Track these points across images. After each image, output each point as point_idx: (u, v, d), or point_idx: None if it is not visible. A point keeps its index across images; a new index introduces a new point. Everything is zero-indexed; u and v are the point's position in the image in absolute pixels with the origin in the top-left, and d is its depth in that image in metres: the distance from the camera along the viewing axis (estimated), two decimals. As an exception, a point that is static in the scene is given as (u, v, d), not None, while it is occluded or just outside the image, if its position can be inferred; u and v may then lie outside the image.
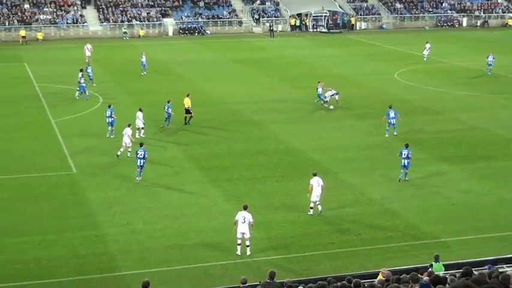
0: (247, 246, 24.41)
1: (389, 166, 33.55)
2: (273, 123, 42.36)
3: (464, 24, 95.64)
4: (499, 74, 57.84)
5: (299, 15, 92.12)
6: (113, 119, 38.85)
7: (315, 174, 28.39)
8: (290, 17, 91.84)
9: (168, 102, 40.50)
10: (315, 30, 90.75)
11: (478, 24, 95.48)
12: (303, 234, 25.84)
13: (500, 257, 22.27)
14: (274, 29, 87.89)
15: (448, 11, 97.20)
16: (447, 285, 12.92)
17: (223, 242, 25.46)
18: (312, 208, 27.87)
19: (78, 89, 48.11)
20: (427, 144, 37.75)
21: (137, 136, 37.94)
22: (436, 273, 15.97)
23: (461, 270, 14.61)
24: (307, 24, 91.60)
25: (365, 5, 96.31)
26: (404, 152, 31.72)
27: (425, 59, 64.08)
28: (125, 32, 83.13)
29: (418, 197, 30.06)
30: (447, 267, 20.28)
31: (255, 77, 57.76)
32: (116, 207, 28.84)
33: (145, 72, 57.50)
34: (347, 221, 27.40)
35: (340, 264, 23.72)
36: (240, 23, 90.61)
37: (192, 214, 28.17)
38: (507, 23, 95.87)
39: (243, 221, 24.12)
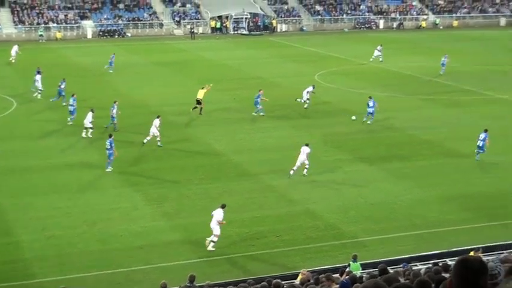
0: (209, 242, 24.73)
1: (310, 167, 33.90)
2: (194, 125, 42.21)
3: (381, 26, 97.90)
4: (414, 76, 59.37)
5: (220, 17, 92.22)
6: (73, 107, 41.14)
7: (307, 145, 32.59)
8: (211, 19, 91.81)
9: (115, 103, 40.38)
10: (236, 32, 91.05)
11: (394, 26, 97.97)
12: (223, 237, 25.80)
13: (415, 255, 22.85)
14: (195, 31, 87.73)
15: (366, 14, 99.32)
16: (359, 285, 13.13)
17: (144, 246, 25.20)
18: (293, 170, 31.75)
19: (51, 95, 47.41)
20: (346, 145, 38.34)
21: (83, 135, 38.92)
22: (353, 272, 16.23)
23: (377, 269, 14.87)
24: (228, 26, 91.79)
25: (285, 7, 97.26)
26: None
27: (381, 59, 65.39)
28: (41, 35, 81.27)
29: (337, 198, 30.48)
30: (364, 266, 20.63)
31: (176, 80, 57.45)
32: (31, 212, 28.13)
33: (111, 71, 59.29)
34: (267, 223, 27.52)
35: (261, 266, 23.81)
36: (161, 25, 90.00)
37: (112, 219, 27.76)
38: (421, 25, 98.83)
39: (212, 217, 24.80)
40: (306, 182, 32.40)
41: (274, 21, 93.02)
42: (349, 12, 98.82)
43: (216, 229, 24.83)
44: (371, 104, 42.14)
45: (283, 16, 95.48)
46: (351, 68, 63.77)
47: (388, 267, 16.41)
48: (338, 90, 53.26)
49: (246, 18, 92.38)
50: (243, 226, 27.20)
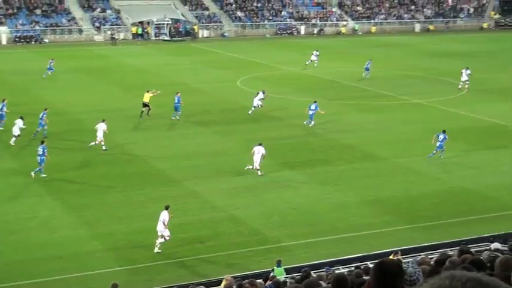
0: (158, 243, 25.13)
1: (234, 173, 33.92)
2: (115, 132, 41.48)
3: (302, 32, 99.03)
4: (335, 81, 60.27)
5: (141, 23, 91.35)
6: (2, 112, 41.48)
7: (260, 144, 34.23)
8: (132, 25, 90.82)
9: (45, 110, 40.02)
10: (157, 38, 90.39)
11: (315, 32, 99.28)
12: (146, 245, 25.47)
13: (337, 258, 23.11)
14: (116, 37, 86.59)
15: (287, 19, 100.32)
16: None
17: (64, 255, 24.62)
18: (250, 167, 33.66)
19: None
20: (269, 150, 38.42)
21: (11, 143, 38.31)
22: (277, 277, 16.26)
23: (300, 273, 14.95)
24: (150, 32, 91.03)
25: (207, 13, 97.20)
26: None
27: (316, 64, 66.73)
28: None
29: (261, 203, 30.56)
30: (288, 271, 20.71)
31: (97, 86, 56.51)
32: None
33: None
34: (191, 229, 27.33)
35: (185, 273, 23.60)
36: (80, 31, 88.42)
37: (30, 228, 26.99)
38: (341, 31, 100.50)
39: (160, 219, 25.17)
40: (230, 188, 32.37)
41: (195, 27, 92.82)
42: (270, 18, 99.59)
43: (165, 231, 25.05)
44: (313, 107, 43.52)
45: (204, 22, 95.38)
46: (273, 73, 64.22)
47: (312, 272, 16.53)
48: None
49: (167, 24, 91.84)
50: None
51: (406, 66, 69.48)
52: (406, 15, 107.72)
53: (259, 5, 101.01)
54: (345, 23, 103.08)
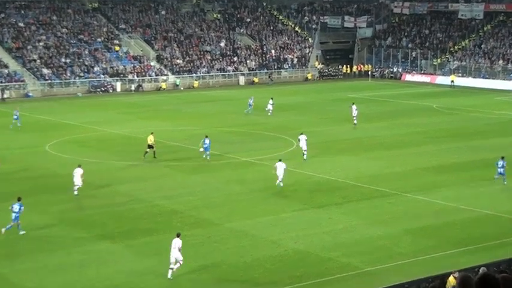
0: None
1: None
2: None
3: (119, 89, 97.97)
4: (161, 142, 60.03)
5: None
6: None
7: (280, 160, 44.21)
8: None
9: None
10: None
11: (133, 88, 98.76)
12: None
13: None
14: None
15: (101, 76, 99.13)
16: None
17: None
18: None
19: None
20: (85, 222, 37.30)
21: None
22: None
23: None
24: None
25: (6, 71, 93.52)
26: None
27: (270, 113, 72.35)
28: None
29: (76, 283, 29.33)
30: None
31: None
32: None
33: None
34: None
35: None
36: None
37: None
38: (161, 86, 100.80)
39: (174, 246, 29.07)
40: (38, 266, 30.82)
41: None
42: (81, 75, 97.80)
43: (179, 256, 29.21)
44: (207, 141, 51.47)
45: (3, 81, 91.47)
46: (89, 135, 62.90)
47: None
48: (72, 160, 51.89)
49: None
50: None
51: (232, 122, 70.76)
52: (229, 68, 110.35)
53: (68, 60, 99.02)
54: (164, 77, 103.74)
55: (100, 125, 68.12)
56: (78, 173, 42.28)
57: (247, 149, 56.88)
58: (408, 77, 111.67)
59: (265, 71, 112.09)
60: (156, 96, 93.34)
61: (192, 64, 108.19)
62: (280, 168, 43.47)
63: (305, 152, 52.40)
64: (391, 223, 37.52)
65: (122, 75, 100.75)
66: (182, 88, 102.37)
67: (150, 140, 52.34)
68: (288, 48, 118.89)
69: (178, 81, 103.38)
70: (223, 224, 37.19)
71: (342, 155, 55.04)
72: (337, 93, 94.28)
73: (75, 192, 42.16)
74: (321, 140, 59.36)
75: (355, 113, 68.25)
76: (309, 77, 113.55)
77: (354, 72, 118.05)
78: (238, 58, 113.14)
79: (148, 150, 52.16)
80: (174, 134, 62.74)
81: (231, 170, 50.05)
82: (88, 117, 73.13)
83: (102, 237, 35.02)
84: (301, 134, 53.62)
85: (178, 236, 30.27)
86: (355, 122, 68.31)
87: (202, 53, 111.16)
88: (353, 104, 69.96)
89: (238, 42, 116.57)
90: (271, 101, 74.76)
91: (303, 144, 52.44)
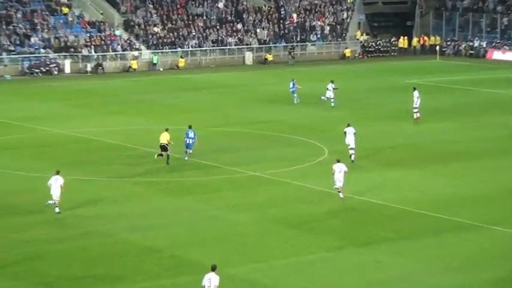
0: None
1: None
2: None
3: (68, 69, 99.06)
4: (124, 146, 59.78)
5: None
6: None
7: (338, 161, 46.36)
8: None
9: None
10: None
11: (89, 68, 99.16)
12: None
13: None
14: None
15: (41, 50, 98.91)
16: None
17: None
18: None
19: None
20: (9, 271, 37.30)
21: None
22: None
23: None
24: None
25: None
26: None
27: (332, 102, 74.98)
28: None
29: None
30: None
31: None
32: None
33: None
34: None
35: None
36: None
37: None
38: (130, 66, 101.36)
39: (209, 285, 30.03)
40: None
41: None
42: (11, 49, 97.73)
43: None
44: (191, 134, 54.79)
45: None
46: (20, 138, 62.81)
47: None
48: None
49: None
50: None
51: (235, 119, 70.71)
52: (230, 40, 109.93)
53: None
54: (136, 53, 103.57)
55: (40, 122, 68.02)
56: (57, 182, 43.10)
57: (256, 158, 56.69)
58: (496, 55, 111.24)
59: (283, 44, 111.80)
60: (123, 81, 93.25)
61: (176, 34, 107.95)
62: (340, 171, 45.84)
63: (353, 152, 53.75)
64: (469, 270, 37.05)
65: (72, 50, 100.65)
66: (162, 69, 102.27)
67: (165, 139, 53.98)
68: (316, 11, 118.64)
69: (155, 58, 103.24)
70: (220, 269, 36.82)
71: (396, 167, 54.62)
72: (388, 78, 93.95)
73: (56, 210, 43.24)
74: (365, 147, 58.77)
75: (416, 102, 68.02)
76: (348, 54, 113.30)
77: (415, 47, 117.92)
78: (243, 26, 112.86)
79: (161, 154, 54.10)
80: (149, 136, 62.40)
81: (232, 189, 49.68)
82: (22, 110, 73.11)
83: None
84: (349, 125, 54.77)
85: (213, 269, 30.69)
86: (417, 115, 68.11)
87: (190, 17, 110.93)
88: (414, 89, 70.00)
89: (244, 2, 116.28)
90: (331, 85, 75.54)
91: (350, 140, 53.93)
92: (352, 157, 53.61)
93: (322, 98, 76.01)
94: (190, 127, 54.86)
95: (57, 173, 43.90)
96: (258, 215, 44.72)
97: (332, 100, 75.14)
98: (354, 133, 54.13)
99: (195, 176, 51.85)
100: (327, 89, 75.64)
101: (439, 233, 42.04)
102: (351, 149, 53.82)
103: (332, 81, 76.24)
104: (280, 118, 70.73)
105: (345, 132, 54.47)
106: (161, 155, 54.05)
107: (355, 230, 42.47)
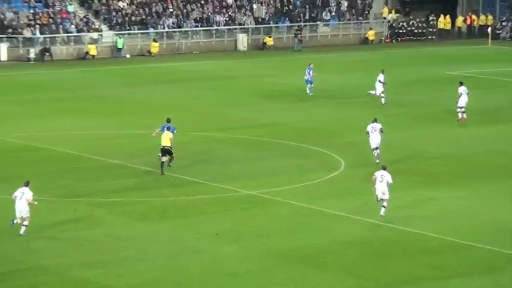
0: None
1: None
2: None
3: (4, 55, 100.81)
4: (74, 154, 59.90)
5: None
6: None
7: (384, 168, 47.55)
8: None
9: None
10: None
11: (32, 55, 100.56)
12: None
13: None
14: None
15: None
16: None
17: None
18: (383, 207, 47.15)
19: None
20: None
21: None
22: None
23: None
24: None
25: None
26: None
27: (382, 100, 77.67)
28: None
29: None
30: None
31: None
32: None
33: None
34: None
35: None
36: None
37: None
38: (88, 52, 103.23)
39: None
40: None
41: None
42: None
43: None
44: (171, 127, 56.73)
45: None
46: None
47: None
48: None
49: None
50: None
51: (225, 121, 71.01)
52: (219, 18, 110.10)
53: None
54: (95, 35, 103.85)
55: None
56: (24, 196, 43.58)
57: (251, 172, 57.04)
58: None
59: (287, 24, 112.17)
60: (78, 71, 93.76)
61: (147, 11, 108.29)
62: (381, 180, 47.20)
63: (378, 152, 55.60)
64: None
65: (10, 31, 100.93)
66: (129, 56, 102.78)
67: (168, 140, 55.49)
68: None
69: (120, 42, 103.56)
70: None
71: (434, 186, 54.62)
72: (424, 69, 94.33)
73: (21, 232, 43.96)
74: (393, 158, 58.92)
75: (462, 99, 68.18)
76: (371, 38, 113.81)
77: (459, 28, 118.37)
78: (236, 0, 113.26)
79: (166, 157, 55.44)
80: (112, 142, 62.60)
81: (219, 212, 49.71)
82: None
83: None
84: (375, 120, 56.53)
85: (26, 185, 33.18)
86: (462, 115, 68.24)
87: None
88: (461, 84, 70.20)
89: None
90: (381, 77, 76.73)
91: (375, 139, 55.58)
92: (377, 159, 55.30)
93: (371, 92, 77.07)
94: (168, 121, 55.54)
95: (26, 184, 44.13)
96: (252, 246, 44.67)
97: (382, 96, 76.40)
98: (381, 129, 55.33)
99: (171, 195, 51.95)
100: (378, 81, 76.93)
101: (491, 270, 41.94)
102: (375, 149, 55.31)
103: (382, 71, 77.61)
104: (283, 120, 70.93)
105: (368, 132, 55.56)
106: (163, 162, 55.28)
107: (380, 266, 42.36)
